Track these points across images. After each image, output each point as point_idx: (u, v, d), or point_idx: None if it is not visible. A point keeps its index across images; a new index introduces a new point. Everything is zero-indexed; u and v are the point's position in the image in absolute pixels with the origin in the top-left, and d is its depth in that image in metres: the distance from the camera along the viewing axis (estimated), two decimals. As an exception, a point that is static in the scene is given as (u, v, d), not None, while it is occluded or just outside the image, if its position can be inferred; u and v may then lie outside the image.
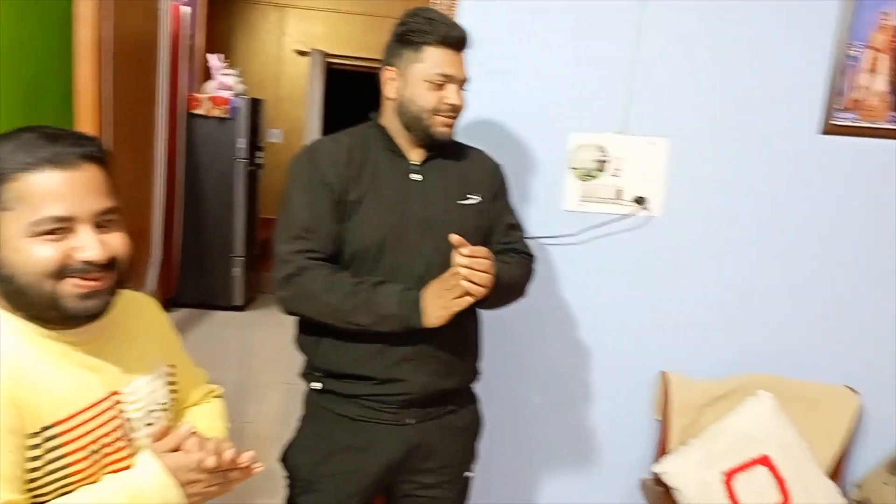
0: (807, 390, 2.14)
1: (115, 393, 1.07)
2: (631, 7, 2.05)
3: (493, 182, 1.63)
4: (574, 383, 2.26)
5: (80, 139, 1.02)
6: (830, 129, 2.11)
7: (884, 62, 2.09)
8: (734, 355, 2.21)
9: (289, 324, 1.59)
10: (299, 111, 6.89)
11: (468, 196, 1.56)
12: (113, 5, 2.68)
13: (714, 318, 2.22)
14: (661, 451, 2.12)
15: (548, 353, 2.25)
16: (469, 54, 1.55)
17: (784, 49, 2.08)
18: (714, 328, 2.22)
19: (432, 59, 1.48)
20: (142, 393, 1.12)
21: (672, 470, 2.04)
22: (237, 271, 5.02)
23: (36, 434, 0.96)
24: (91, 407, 1.03)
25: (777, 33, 2.07)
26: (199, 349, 4.25)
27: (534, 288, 2.14)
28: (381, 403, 1.51)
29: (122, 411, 1.08)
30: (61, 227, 0.97)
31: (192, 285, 4.96)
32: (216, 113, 4.83)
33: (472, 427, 1.67)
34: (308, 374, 1.58)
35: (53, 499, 0.98)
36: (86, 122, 2.54)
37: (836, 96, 2.08)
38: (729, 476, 1.98)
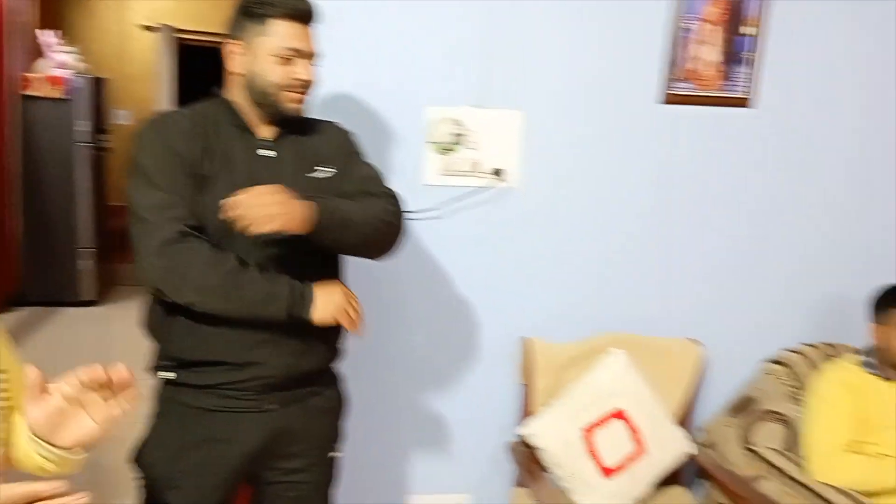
0: (655, 345, 2.28)
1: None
2: (480, -20, 2.08)
3: (345, 151, 1.59)
4: (441, 354, 2.29)
5: None
6: (670, 99, 2.23)
7: (716, 34, 2.23)
8: (590, 317, 2.31)
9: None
10: (149, 90, 6.49)
11: (319, 169, 1.52)
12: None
13: (571, 284, 2.32)
14: (526, 413, 2.20)
15: (414, 327, 2.26)
16: (323, 29, 1.51)
17: (625, 22, 2.18)
18: (571, 293, 2.32)
19: (278, 32, 1.43)
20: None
21: (536, 431, 2.12)
22: (86, 264, 4.68)
23: None
24: None
25: (618, 6, 2.16)
26: (47, 349, 3.94)
27: (398, 263, 2.14)
28: (239, 391, 1.45)
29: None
30: None
31: (36, 281, 4.60)
32: (52, 93, 4.45)
33: (337, 407, 1.65)
34: (159, 365, 1.50)
35: None
36: None
37: (673, 67, 2.21)
38: (588, 431, 2.09)
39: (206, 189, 1.39)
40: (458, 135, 2.15)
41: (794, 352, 2.36)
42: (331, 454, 1.65)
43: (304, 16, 1.45)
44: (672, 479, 2.24)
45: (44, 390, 1.01)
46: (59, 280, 4.64)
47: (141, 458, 1.51)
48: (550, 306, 2.31)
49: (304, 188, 1.47)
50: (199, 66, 6.67)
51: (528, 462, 2.14)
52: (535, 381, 2.20)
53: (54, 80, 4.44)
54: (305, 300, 1.38)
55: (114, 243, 5.00)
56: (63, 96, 4.46)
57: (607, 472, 2.08)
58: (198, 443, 1.46)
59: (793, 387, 2.27)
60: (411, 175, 2.14)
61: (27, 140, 4.45)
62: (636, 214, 2.31)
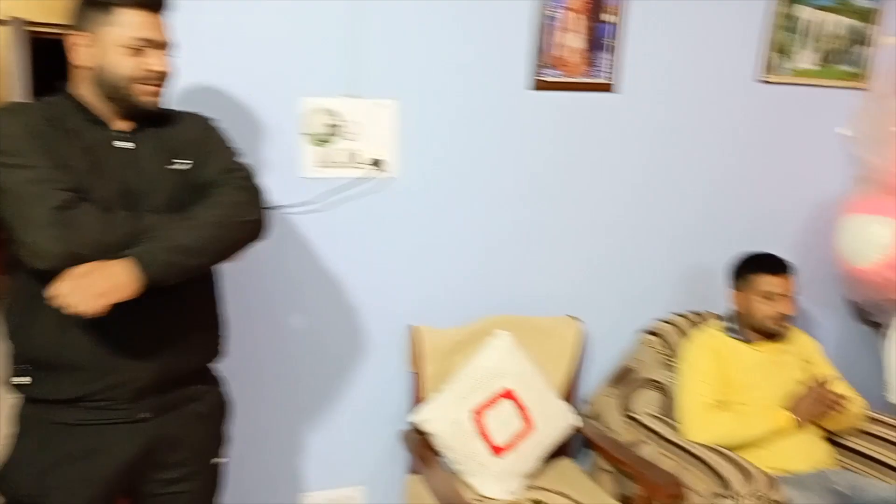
0: (538, 324, 2.36)
1: None
2: (346, -32, 2.05)
3: (203, 141, 1.51)
4: (328, 348, 2.27)
5: None
6: (539, 85, 2.30)
7: (579, 21, 2.31)
8: (475, 302, 2.36)
9: None
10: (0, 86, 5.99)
11: (177, 161, 1.45)
12: None
13: (455, 270, 2.35)
14: (417, 400, 2.22)
15: (299, 321, 2.22)
16: (185, 17, 1.44)
17: (493, 10, 2.21)
18: (455, 279, 2.35)
19: (126, 21, 1.35)
20: None
21: (427, 417, 2.14)
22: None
23: None
24: None
25: (486, -5, 2.20)
26: None
27: (280, 258, 2.10)
28: (107, 401, 1.38)
29: None
30: None
31: None
32: None
33: (218, 411, 1.60)
34: (14, 370, 1.39)
35: None
36: None
37: (540, 54, 2.27)
38: (478, 413, 2.13)
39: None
40: (334, 125, 2.12)
41: (666, 322, 2.51)
42: (214, 461, 1.59)
43: (153, 3, 1.38)
44: (560, 451, 2.33)
45: None
46: None
47: (4, 479, 1.40)
48: (436, 293, 2.34)
49: (167, 183, 1.41)
50: (55, 60, 6.24)
51: (421, 448, 2.16)
52: (424, 368, 2.21)
53: None
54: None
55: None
56: None
57: (498, 450, 2.13)
58: (65, 459, 1.38)
59: (666, 355, 2.41)
60: (287, 168, 2.10)
61: None
62: (513, 198, 2.37)
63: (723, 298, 2.39)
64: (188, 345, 1.46)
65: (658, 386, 2.35)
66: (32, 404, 1.39)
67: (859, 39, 2.63)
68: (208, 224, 1.37)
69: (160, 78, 1.40)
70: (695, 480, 1.98)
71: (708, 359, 2.25)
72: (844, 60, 2.63)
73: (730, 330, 2.33)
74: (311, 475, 2.32)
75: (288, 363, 2.23)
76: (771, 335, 2.29)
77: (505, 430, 2.15)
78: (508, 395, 2.17)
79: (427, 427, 2.15)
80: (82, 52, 1.37)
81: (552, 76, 2.30)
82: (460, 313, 2.32)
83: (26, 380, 1.38)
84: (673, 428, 2.21)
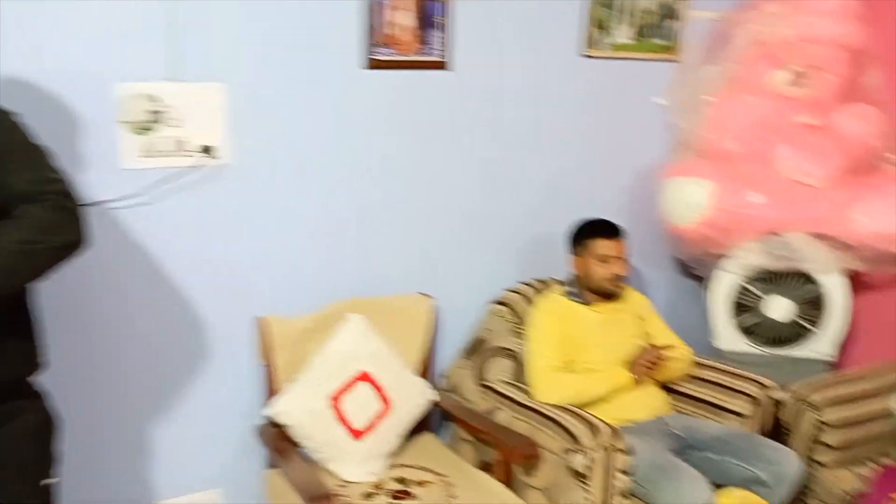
0: (389, 304, 2.36)
1: None
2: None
3: (5, 142, 1.35)
4: (172, 348, 2.15)
5: None
6: (372, 64, 2.28)
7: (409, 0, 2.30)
8: (325, 287, 2.32)
9: None
10: None
11: None
12: None
13: (301, 256, 2.29)
14: (271, 393, 2.15)
15: (137, 323, 2.09)
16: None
17: (320, -12, 2.16)
18: (303, 265, 2.30)
19: None
20: None
21: (282, 408, 2.09)
22: None
23: None
24: None
25: (311, -27, 2.14)
26: None
27: (110, 257, 1.95)
28: None
29: None
30: None
31: None
32: None
33: (43, 428, 1.47)
34: None
35: None
36: None
37: (372, 33, 2.25)
38: (335, 399, 2.10)
39: None
40: (156, 112, 1.99)
41: (513, 291, 2.59)
42: (44, 482, 1.46)
43: None
44: (421, 427, 2.36)
45: None
46: None
47: None
48: (284, 281, 2.27)
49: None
50: None
51: (279, 442, 2.11)
52: (275, 359, 2.15)
53: None
54: None
55: None
56: None
57: (358, 434, 2.12)
58: None
59: (515, 323, 2.49)
60: (106, 160, 1.95)
61: None
62: (356, 180, 2.35)
63: (563, 264, 2.51)
64: (-2, 358, 1.32)
65: (509, 353, 2.43)
66: None
67: (669, 14, 2.82)
68: (13, 252, 1.24)
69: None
70: (547, 440, 2.08)
71: (552, 323, 2.36)
72: (657, 34, 2.81)
73: (570, 294, 2.45)
74: (162, 482, 2.19)
75: (125, 368, 2.09)
76: (608, 296, 2.43)
77: (364, 413, 2.14)
78: (365, 377, 2.16)
79: (283, 419, 2.09)
80: None
81: (385, 55, 2.29)
82: (311, 300, 2.27)
83: None
84: (525, 392, 2.30)
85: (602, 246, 2.39)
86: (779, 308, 2.69)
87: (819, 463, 2.27)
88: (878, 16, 2.67)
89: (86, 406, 1.99)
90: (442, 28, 2.36)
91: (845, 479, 2.21)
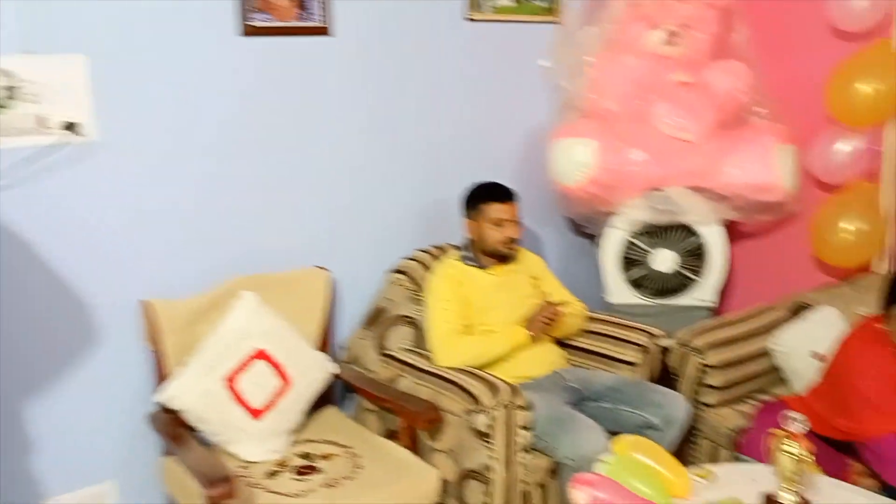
0: (284, 279, 2.31)
1: None
2: None
3: None
4: (56, 335, 2.03)
5: None
6: (249, 31, 2.18)
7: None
8: (213, 266, 2.23)
9: None
10: None
11: None
12: None
13: (186, 235, 2.20)
14: (161, 378, 2.07)
15: (18, 312, 1.95)
16: None
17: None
18: (189, 243, 2.21)
19: None
20: None
21: (174, 393, 2.01)
22: None
23: None
24: None
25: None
26: None
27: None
28: None
29: None
30: None
31: None
32: None
33: None
34: None
35: None
36: None
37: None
38: (230, 380, 2.04)
39: None
40: (11, 88, 1.84)
41: (410, 259, 2.58)
42: None
43: None
44: (323, 400, 2.33)
45: None
46: None
47: None
48: (170, 261, 2.18)
49: None
50: None
51: (173, 428, 2.03)
52: (163, 343, 2.06)
53: None
54: None
55: None
56: None
57: (257, 413, 2.07)
58: None
59: (413, 290, 2.49)
60: (-45, 142, 1.78)
61: None
62: (239, 152, 2.26)
63: (459, 229, 2.52)
64: None
65: (409, 321, 2.43)
66: None
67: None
68: None
69: None
70: (450, 402, 2.10)
71: (450, 288, 2.37)
72: (538, -3, 2.85)
73: (466, 258, 2.47)
74: (51, 478, 2.06)
75: (2, 360, 1.94)
76: (503, 258, 2.47)
77: (262, 392, 2.09)
78: (261, 355, 2.11)
79: (175, 404, 2.01)
80: None
81: (262, 20, 2.20)
82: (201, 279, 2.18)
83: None
84: (426, 358, 2.31)
85: (495, 210, 2.41)
86: (664, 260, 2.81)
87: (705, 404, 2.41)
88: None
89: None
90: (321, -7, 2.29)
91: (729, 417, 2.35)
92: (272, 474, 1.99)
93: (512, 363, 2.33)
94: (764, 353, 2.51)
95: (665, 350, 2.49)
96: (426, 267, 2.54)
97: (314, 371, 2.24)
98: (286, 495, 1.88)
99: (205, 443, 2.06)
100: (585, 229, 3.04)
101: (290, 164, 2.38)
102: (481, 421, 2.01)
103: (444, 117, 2.71)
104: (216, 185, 2.23)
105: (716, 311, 2.90)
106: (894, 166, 2.54)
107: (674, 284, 2.85)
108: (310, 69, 2.35)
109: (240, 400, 2.05)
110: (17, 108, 1.85)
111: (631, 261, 2.84)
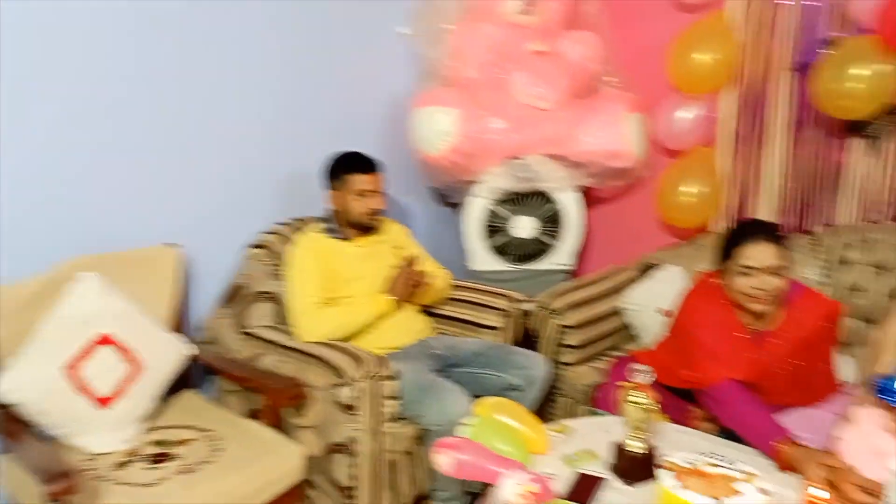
0: (129, 258, 2.15)
1: None
2: None
3: None
4: None
5: None
6: None
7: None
8: (46, 248, 2.04)
9: None
10: None
11: None
12: None
13: (16, 212, 2.00)
14: (-9, 372, 1.88)
15: None
16: None
17: None
18: (19, 223, 2.01)
19: None
20: None
21: (9, 386, 1.83)
22: None
23: None
24: None
25: None
26: None
27: None
28: None
29: None
30: None
31: None
32: None
33: None
34: None
35: None
36: None
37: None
38: (72, 368, 1.89)
39: None
40: None
41: (269, 233, 2.50)
42: None
43: None
44: (182, 384, 2.22)
45: None
46: None
47: None
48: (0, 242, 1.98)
49: None
50: None
51: (8, 424, 1.85)
52: (-9, 334, 1.88)
53: None
54: None
55: None
56: None
57: (104, 401, 1.93)
58: None
59: (273, 265, 2.41)
60: None
61: None
62: (78, 121, 2.08)
63: (320, 200, 2.46)
64: None
65: (270, 297, 2.36)
66: None
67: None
68: None
69: None
70: (314, 377, 2.06)
71: (311, 261, 2.31)
72: (394, -38, 2.80)
73: (329, 230, 2.41)
74: None
75: None
76: (366, 229, 2.44)
77: (109, 378, 1.95)
78: (106, 340, 1.96)
79: (10, 398, 1.84)
80: None
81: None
82: (37, 261, 1.99)
83: None
84: (288, 334, 2.25)
85: (358, 181, 2.37)
86: (524, 227, 2.89)
87: (564, 363, 2.51)
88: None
89: None
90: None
91: (586, 375, 2.47)
92: (122, 465, 1.87)
93: (378, 334, 2.32)
94: (616, 312, 2.64)
95: (526, 313, 2.57)
96: (286, 240, 2.47)
97: (167, 354, 2.12)
98: (138, 485, 1.78)
99: (46, 438, 1.90)
100: (449, 198, 3.06)
101: (138, 136, 2.22)
102: (345, 394, 1.99)
103: (304, 85, 2.63)
104: (55, 158, 2.04)
105: (574, 274, 3.03)
106: (728, 132, 2.73)
107: (534, 250, 2.93)
108: (158, 37, 2.19)
109: (83, 389, 1.90)
110: None
111: (493, 228, 2.89)
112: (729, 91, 2.68)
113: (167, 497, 1.74)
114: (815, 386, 1.96)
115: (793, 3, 2.53)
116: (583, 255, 3.14)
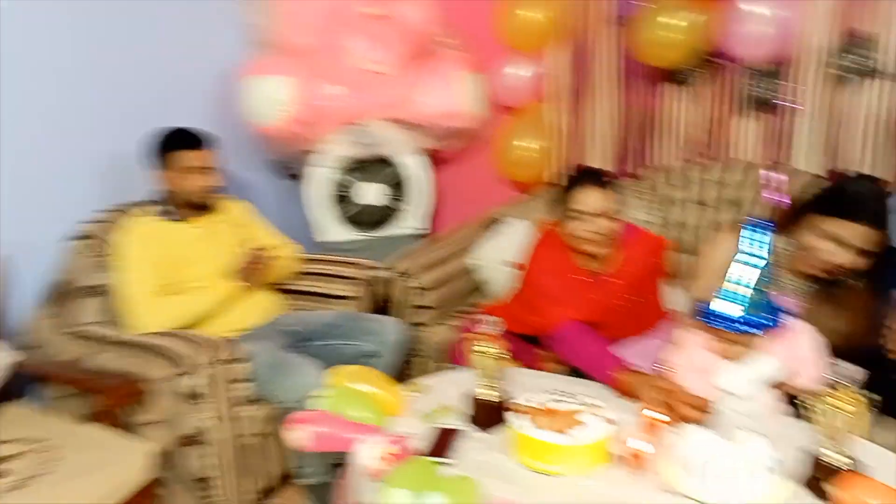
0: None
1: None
2: None
3: None
4: None
5: None
6: None
7: None
8: None
9: None
10: None
11: None
12: None
13: None
14: None
15: None
16: None
17: None
18: None
19: None
20: None
21: None
22: None
23: None
24: None
25: None
26: None
27: None
28: None
29: None
30: None
31: None
32: None
33: None
34: None
35: None
36: None
37: None
38: None
39: None
40: None
41: (93, 222, 2.30)
42: None
43: None
44: (4, 396, 2.01)
45: None
46: None
47: None
48: None
49: None
50: None
51: None
52: None
53: None
54: None
55: None
56: None
57: None
58: None
59: (99, 256, 2.23)
60: None
61: None
62: None
63: (147, 183, 2.29)
64: None
65: (98, 291, 2.18)
66: None
67: None
68: None
69: None
70: (153, 370, 1.93)
71: (143, 247, 2.16)
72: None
73: (162, 213, 2.26)
74: None
75: None
76: (202, 208, 2.31)
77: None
78: None
79: None
80: None
81: None
82: None
83: None
84: (121, 328, 2.10)
85: (187, 158, 2.24)
86: (371, 193, 2.86)
87: (420, 324, 2.52)
88: None
89: None
90: None
91: (443, 333, 2.49)
92: (-62, 493, 1.68)
93: (225, 318, 2.22)
94: (468, 270, 2.68)
95: (380, 279, 2.55)
96: (112, 229, 2.28)
97: (-12, 364, 1.91)
98: (-38, 511, 1.60)
99: None
100: (291, 170, 2.97)
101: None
102: (187, 383, 1.88)
103: (122, 61, 2.43)
104: None
105: (427, 237, 3.04)
106: (559, 86, 2.82)
107: (384, 216, 2.91)
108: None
109: None
110: None
111: (339, 197, 2.84)
112: (557, 47, 2.76)
113: (-3, 518, 1.58)
114: (647, 317, 2.09)
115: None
116: (434, 217, 3.15)
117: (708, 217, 2.53)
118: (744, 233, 1.55)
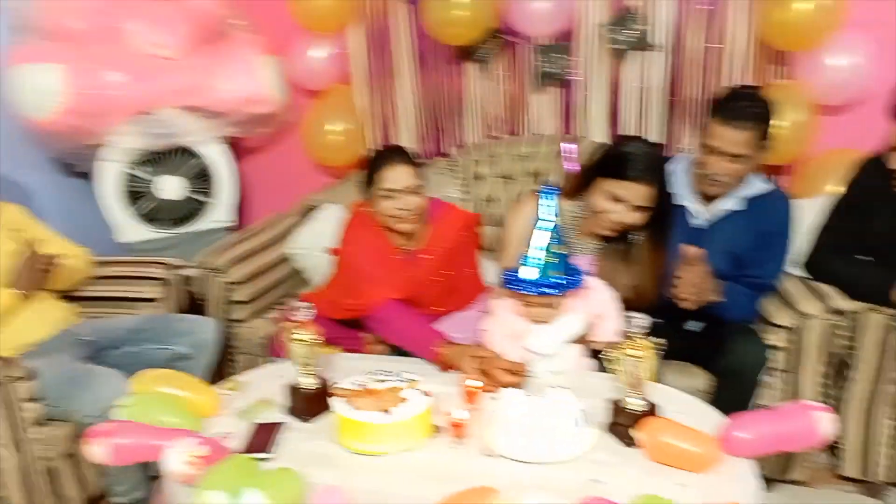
0: None
1: None
2: None
3: None
4: None
5: None
6: None
7: None
8: None
9: None
10: None
11: None
12: None
13: None
14: None
15: None
16: None
17: None
18: None
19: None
20: None
21: None
22: None
23: None
24: None
25: None
26: None
27: None
28: None
29: None
30: None
31: None
32: None
33: None
34: None
35: None
36: None
37: None
38: None
39: None
40: None
41: None
42: None
43: None
44: None
45: None
46: None
47: None
48: None
49: None
50: None
51: None
52: None
53: None
54: None
55: None
56: None
57: None
58: None
59: None
60: None
61: None
62: None
63: None
64: None
65: None
66: None
67: None
68: None
69: None
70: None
71: None
72: None
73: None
74: None
75: None
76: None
77: None
78: None
79: None
80: None
81: None
82: None
83: None
84: None
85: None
86: (170, 187, 2.67)
87: (236, 320, 2.40)
88: None
89: None
90: None
91: (261, 327, 2.39)
92: None
93: (8, 332, 1.97)
94: (284, 260, 2.60)
95: (188, 278, 2.40)
96: None
97: None
98: None
99: None
100: (76, 167, 2.70)
101: None
102: (-39, 410, 1.66)
103: None
104: None
105: (237, 230, 2.90)
106: (361, 68, 2.80)
107: (187, 211, 2.74)
108: None
109: None
110: None
111: (135, 194, 2.62)
112: (355, 27, 2.73)
113: None
114: (465, 291, 2.14)
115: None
116: (243, 208, 3.01)
117: (514, 190, 2.64)
118: (540, 200, 1.63)
